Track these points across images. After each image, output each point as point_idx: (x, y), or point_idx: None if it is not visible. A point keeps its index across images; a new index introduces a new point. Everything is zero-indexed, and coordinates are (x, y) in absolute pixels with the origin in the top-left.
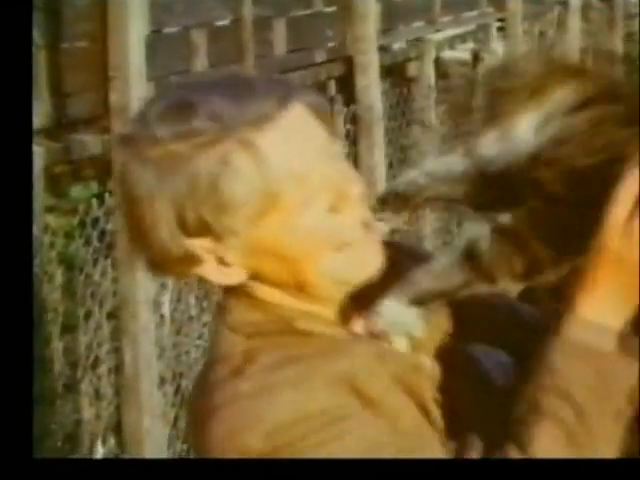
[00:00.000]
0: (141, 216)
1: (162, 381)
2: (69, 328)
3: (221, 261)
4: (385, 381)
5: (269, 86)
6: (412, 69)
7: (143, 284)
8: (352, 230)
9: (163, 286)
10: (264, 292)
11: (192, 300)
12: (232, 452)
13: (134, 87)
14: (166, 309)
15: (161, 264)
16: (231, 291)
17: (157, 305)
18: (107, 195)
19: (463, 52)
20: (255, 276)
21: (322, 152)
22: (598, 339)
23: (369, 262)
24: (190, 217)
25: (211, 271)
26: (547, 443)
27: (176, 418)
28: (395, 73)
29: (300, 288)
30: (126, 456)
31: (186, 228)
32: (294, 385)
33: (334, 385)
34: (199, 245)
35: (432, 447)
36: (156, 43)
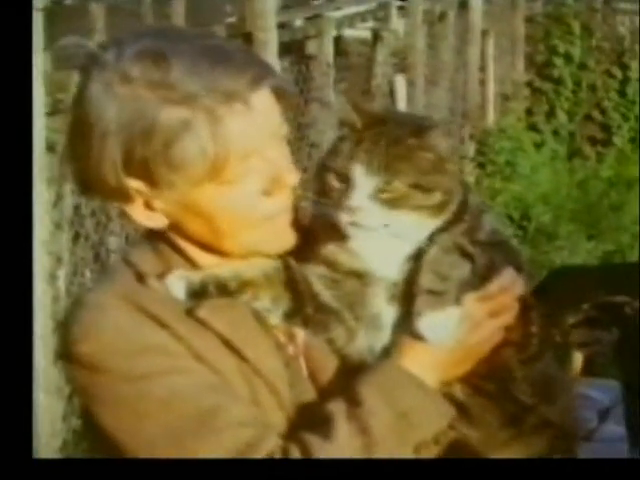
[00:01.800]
0: (90, 142)
1: (57, 356)
2: None
3: (148, 205)
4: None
5: (246, 61)
6: (311, 47)
7: (39, 257)
8: (276, 212)
9: (59, 260)
10: (179, 243)
11: (88, 274)
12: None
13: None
14: (62, 283)
15: (93, 189)
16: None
17: (53, 278)
18: None
19: (363, 31)
20: (175, 228)
21: (272, 138)
22: (410, 387)
23: (284, 240)
24: (136, 159)
25: (136, 211)
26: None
27: (71, 394)
28: (294, 50)
29: (212, 250)
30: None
31: (128, 167)
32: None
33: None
34: (134, 185)
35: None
36: (55, 14)
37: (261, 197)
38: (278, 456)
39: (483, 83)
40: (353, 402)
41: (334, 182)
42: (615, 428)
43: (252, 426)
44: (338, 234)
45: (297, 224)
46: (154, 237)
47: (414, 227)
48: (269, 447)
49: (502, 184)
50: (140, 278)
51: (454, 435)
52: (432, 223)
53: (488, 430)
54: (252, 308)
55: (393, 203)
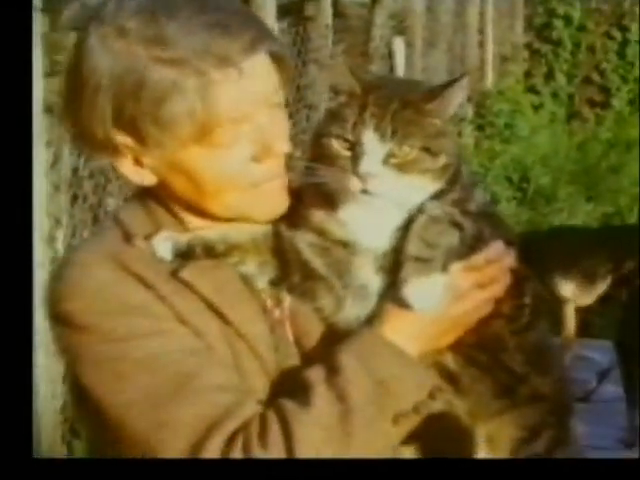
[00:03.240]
0: (83, 94)
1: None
2: None
3: (137, 161)
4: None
5: (244, 24)
6: (310, 9)
7: (37, 219)
8: (264, 179)
9: (57, 221)
10: (168, 203)
11: (86, 234)
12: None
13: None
14: (60, 245)
15: (84, 142)
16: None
17: (51, 240)
18: None
19: None
20: (163, 187)
21: (265, 105)
22: (389, 356)
23: (271, 207)
24: (125, 115)
25: (125, 166)
26: (309, 426)
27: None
28: (293, 12)
29: (200, 212)
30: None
31: (118, 121)
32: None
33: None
34: (122, 140)
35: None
36: None
37: (250, 163)
38: (255, 422)
39: (482, 45)
40: (332, 369)
41: (339, 149)
42: (614, 389)
43: (231, 391)
44: (329, 202)
45: (287, 191)
46: (145, 197)
47: (418, 191)
48: (247, 413)
49: (501, 146)
50: (127, 237)
51: (440, 406)
52: (433, 187)
53: (479, 400)
54: (238, 272)
55: (403, 167)
